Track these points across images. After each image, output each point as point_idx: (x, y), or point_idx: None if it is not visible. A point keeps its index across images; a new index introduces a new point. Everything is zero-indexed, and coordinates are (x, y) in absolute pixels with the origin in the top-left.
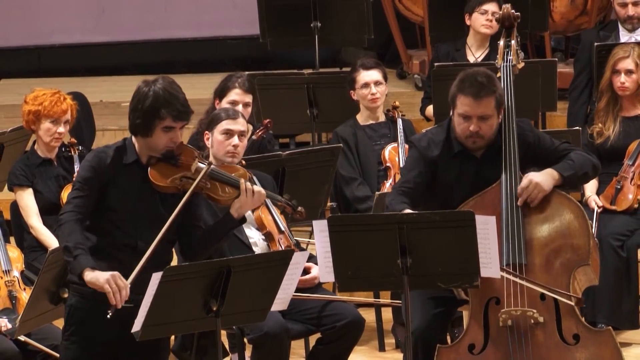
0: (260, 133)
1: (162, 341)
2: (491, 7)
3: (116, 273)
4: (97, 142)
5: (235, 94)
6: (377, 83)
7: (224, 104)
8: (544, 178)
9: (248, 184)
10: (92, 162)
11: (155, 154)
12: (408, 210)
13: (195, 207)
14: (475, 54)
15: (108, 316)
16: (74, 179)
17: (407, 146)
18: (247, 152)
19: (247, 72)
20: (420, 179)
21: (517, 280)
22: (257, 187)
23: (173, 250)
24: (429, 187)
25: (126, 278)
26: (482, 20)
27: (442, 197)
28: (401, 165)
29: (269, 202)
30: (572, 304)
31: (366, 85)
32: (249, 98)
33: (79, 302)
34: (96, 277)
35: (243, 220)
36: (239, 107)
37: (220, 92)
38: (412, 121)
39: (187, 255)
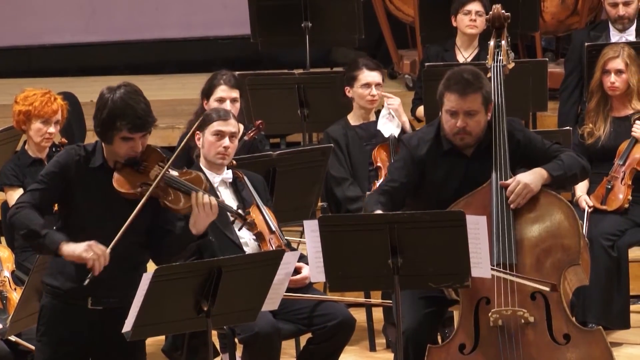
0: (252, 134)
1: (137, 342)
2: (474, 7)
3: (92, 242)
4: (88, 142)
5: (221, 91)
6: (377, 85)
7: (212, 102)
8: (532, 178)
9: (200, 196)
10: (60, 158)
11: (120, 160)
12: (379, 212)
13: (163, 212)
14: (464, 54)
15: (85, 283)
16: None
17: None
18: (239, 152)
19: (237, 72)
20: (406, 179)
21: (508, 277)
22: (208, 199)
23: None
24: (416, 188)
25: (92, 282)
26: (466, 21)
27: (431, 196)
28: None
29: (259, 202)
30: (548, 289)
31: (367, 85)
32: (235, 93)
33: (50, 302)
34: (73, 248)
35: (203, 235)
36: (227, 104)
37: (207, 92)
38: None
39: (155, 260)
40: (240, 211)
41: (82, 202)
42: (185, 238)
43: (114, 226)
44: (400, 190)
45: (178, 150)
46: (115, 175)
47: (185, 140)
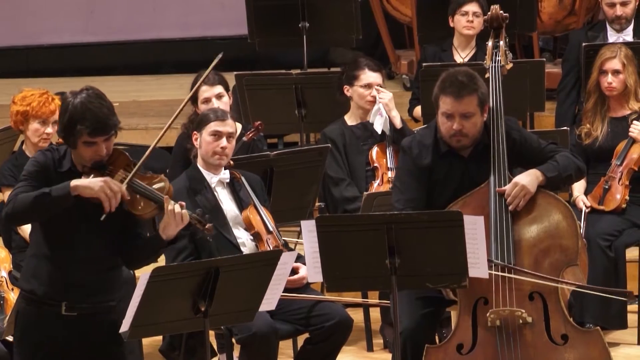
0: (251, 135)
1: (117, 349)
2: (471, 7)
3: (108, 178)
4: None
5: (203, 92)
6: (378, 86)
7: (201, 106)
8: (529, 179)
9: (172, 205)
10: (38, 158)
11: (86, 164)
12: None
13: (131, 215)
14: (461, 55)
15: (102, 218)
16: None
17: (392, 146)
18: (239, 153)
19: (235, 72)
20: (418, 194)
21: (507, 274)
22: (178, 209)
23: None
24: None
25: (68, 284)
26: (463, 22)
27: (429, 197)
28: (389, 165)
29: (257, 202)
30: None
31: (369, 85)
32: (218, 89)
33: (25, 308)
34: (87, 183)
35: (173, 241)
36: (214, 102)
37: (193, 97)
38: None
39: (125, 262)
40: (203, 217)
41: None
42: (156, 243)
43: (85, 228)
44: (421, 204)
45: (145, 155)
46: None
47: (153, 145)
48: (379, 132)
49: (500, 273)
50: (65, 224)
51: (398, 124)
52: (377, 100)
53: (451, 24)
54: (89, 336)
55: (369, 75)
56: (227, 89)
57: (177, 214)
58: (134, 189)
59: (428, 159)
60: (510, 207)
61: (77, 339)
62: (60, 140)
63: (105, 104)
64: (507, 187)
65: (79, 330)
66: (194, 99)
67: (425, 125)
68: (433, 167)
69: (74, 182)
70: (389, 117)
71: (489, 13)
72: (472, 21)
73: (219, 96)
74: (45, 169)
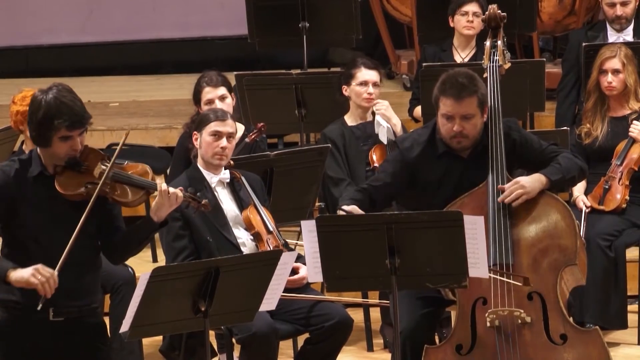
0: (253, 136)
1: (102, 351)
2: (471, 7)
3: (39, 265)
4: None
5: (206, 93)
6: (374, 84)
7: (203, 107)
8: (530, 182)
9: (164, 185)
10: None
11: (60, 163)
12: (346, 208)
13: (109, 209)
14: (461, 55)
15: (38, 308)
16: None
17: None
18: (240, 155)
19: (235, 73)
20: (391, 179)
21: (505, 279)
22: (172, 189)
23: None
24: (403, 189)
25: (47, 302)
26: (463, 22)
27: (428, 198)
28: None
29: (257, 202)
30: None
31: (364, 83)
32: (221, 91)
33: (9, 319)
34: (20, 275)
35: (165, 222)
36: (217, 104)
37: (195, 98)
38: (401, 121)
39: (110, 258)
40: (195, 195)
41: (27, 214)
42: (148, 227)
43: (63, 232)
44: (381, 190)
45: (120, 145)
46: (57, 179)
47: (125, 137)
48: (385, 143)
49: (499, 277)
50: (41, 230)
51: (399, 131)
52: (375, 112)
53: (451, 24)
54: (74, 340)
55: (365, 73)
56: (230, 90)
57: (171, 193)
58: (118, 179)
59: (416, 152)
60: (499, 198)
61: (63, 343)
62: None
63: (77, 98)
64: (507, 185)
65: (65, 335)
66: (196, 100)
67: (423, 125)
68: (420, 163)
69: (11, 274)
70: (390, 125)
71: (487, 12)
72: (472, 21)
73: (222, 98)
74: (5, 187)
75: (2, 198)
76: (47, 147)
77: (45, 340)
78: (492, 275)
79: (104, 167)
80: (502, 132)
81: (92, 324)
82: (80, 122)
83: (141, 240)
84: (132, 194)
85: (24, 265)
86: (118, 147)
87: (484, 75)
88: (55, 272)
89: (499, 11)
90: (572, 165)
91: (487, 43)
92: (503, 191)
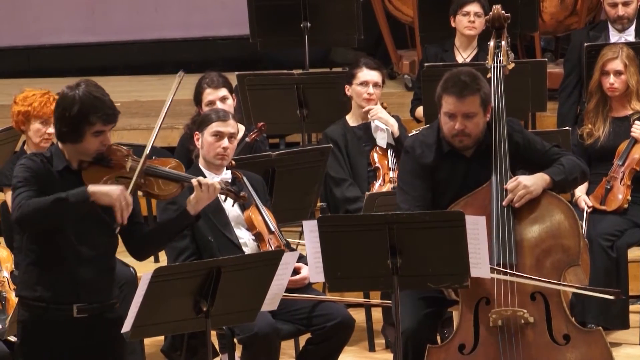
0: (254, 136)
1: (120, 346)
2: (473, 8)
3: (123, 187)
4: None
5: (208, 95)
6: (375, 84)
7: (205, 108)
8: (533, 181)
9: (201, 178)
10: (26, 163)
11: (87, 158)
12: None
13: (133, 205)
14: (463, 55)
15: (116, 231)
16: None
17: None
18: (241, 154)
19: (237, 73)
20: (427, 191)
21: (507, 278)
22: (209, 180)
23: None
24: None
25: (79, 287)
26: (465, 22)
27: (435, 197)
28: (390, 166)
29: (258, 202)
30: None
31: (365, 83)
32: (223, 92)
33: (30, 318)
34: (107, 190)
35: (199, 217)
36: (218, 105)
37: (196, 99)
38: (402, 122)
39: (136, 254)
40: (232, 187)
41: None
42: (182, 220)
43: (87, 228)
44: (427, 202)
45: (151, 141)
46: (84, 174)
47: (156, 132)
48: (384, 146)
49: (502, 277)
50: (67, 227)
51: (396, 131)
52: (370, 118)
53: (453, 24)
54: (95, 336)
55: (366, 73)
56: (231, 91)
57: (210, 185)
58: (152, 172)
59: (430, 158)
60: (504, 202)
61: (85, 339)
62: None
63: (106, 93)
64: (509, 185)
65: (87, 331)
66: (197, 101)
67: (427, 125)
68: (436, 166)
69: (92, 188)
70: (388, 127)
71: (491, 13)
72: (473, 21)
73: (223, 99)
74: (37, 174)
75: (37, 181)
76: (78, 142)
77: (69, 337)
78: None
79: (133, 161)
80: (506, 132)
81: (112, 319)
82: (114, 116)
83: (175, 234)
84: (165, 186)
85: (51, 257)
86: (149, 144)
87: (488, 76)
88: (139, 171)
89: (503, 12)
90: (575, 167)
91: (491, 43)
92: (506, 190)
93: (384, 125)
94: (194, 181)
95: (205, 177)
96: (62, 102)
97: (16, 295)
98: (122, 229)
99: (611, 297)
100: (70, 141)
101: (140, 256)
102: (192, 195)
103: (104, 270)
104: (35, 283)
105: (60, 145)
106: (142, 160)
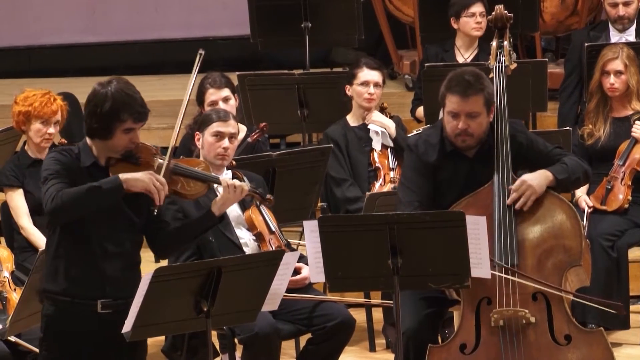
0: (255, 136)
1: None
2: (478, 8)
3: (151, 172)
4: None
5: (210, 95)
6: (376, 84)
7: (207, 108)
8: (537, 180)
9: (229, 179)
10: (56, 156)
11: (115, 155)
12: None
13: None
14: (464, 55)
15: (155, 213)
16: None
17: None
18: (243, 155)
19: (237, 73)
20: (428, 189)
21: (509, 276)
22: (237, 182)
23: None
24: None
25: (105, 282)
26: (471, 24)
27: (435, 196)
28: (390, 166)
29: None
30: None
31: (366, 83)
32: (225, 92)
33: (55, 311)
34: (139, 176)
35: (222, 218)
36: (220, 105)
37: (199, 99)
38: (403, 122)
39: (160, 252)
40: (257, 190)
41: None
42: (206, 221)
43: (113, 225)
44: (430, 201)
45: (175, 141)
46: (113, 171)
47: (178, 131)
48: (379, 149)
49: (503, 274)
50: (95, 219)
51: (393, 132)
52: (366, 123)
53: (454, 26)
54: (117, 332)
55: (367, 73)
56: (233, 91)
57: (237, 186)
58: (178, 171)
59: (433, 157)
60: (508, 200)
61: (108, 335)
62: (63, 140)
63: (137, 91)
64: (514, 185)
65: (110, 326)
66: (200, 101)
67: (430, 125)
68: (438, 165)
69: (123, 176)
70: (384, 129)
71: (493, 13)
72: (480, 22)
73: (225, 99)
74: (67, 167)
75: (67, 174)
76: (108, 139)
77: (92, 332)
78: (518, 280)
79: (161, 160)
80: (508, 133)
81: None
82: (145, 115)
83: (199, 233)
84: (192, 185)
85: (78, 252)
86: (172, 144)
87: (490, 76)
88: (166, 170)
89: (505, 12)
90: (578, 167)
91: (494, 43)
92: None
93: (379, 127)
94: (223, 182)
95: None
96: (94, 98)
97: (41, 289)
98: (146, 228)
99: (613, 312)
100: (99, 137)
101: (163, 254)
102: (219, 197)
103: (129, 265)
104: (62, 277)
105: (88, 141)
106: (167, 157)
